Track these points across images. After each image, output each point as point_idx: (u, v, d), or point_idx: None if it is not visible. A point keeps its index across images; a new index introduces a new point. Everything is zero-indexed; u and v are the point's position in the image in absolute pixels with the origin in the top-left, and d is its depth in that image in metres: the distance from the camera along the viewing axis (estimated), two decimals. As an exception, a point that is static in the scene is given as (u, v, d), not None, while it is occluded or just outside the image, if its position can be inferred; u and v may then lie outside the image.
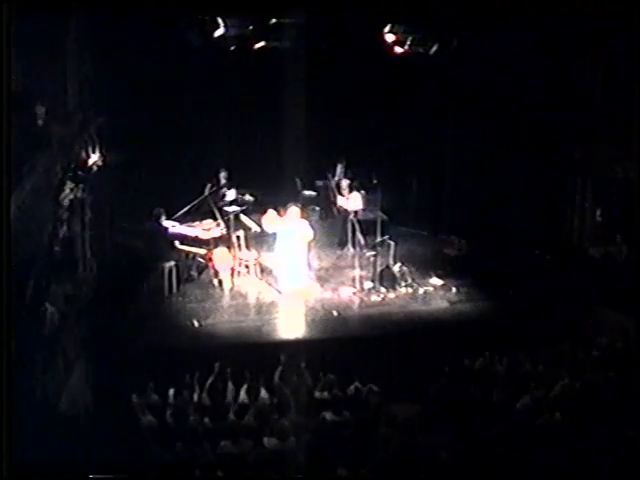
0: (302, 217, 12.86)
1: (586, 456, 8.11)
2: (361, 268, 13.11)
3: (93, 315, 11.14)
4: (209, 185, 14.37)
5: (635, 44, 11.62)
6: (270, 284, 12.81)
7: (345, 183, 14.90)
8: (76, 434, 8.24)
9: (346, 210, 14.47)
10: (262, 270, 13.02)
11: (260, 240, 13.47)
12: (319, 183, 15.30)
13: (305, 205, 14.12)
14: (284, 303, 12.33)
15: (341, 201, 14.62)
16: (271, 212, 12.90)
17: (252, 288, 12.68)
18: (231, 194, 14.16)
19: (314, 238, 13.01)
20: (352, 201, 14.36)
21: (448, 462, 8.14)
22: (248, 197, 14.42)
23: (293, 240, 12.57)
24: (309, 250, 13.00)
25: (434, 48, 13.65)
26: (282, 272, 12.69)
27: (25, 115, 9.00)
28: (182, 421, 8.80)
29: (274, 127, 14.81)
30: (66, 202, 10.84)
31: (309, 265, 13.00)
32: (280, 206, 13.05)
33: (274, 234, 12.84)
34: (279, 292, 12.60)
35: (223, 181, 14.56)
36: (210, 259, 12.73)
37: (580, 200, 13.84)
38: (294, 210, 12.69)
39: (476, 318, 12.07)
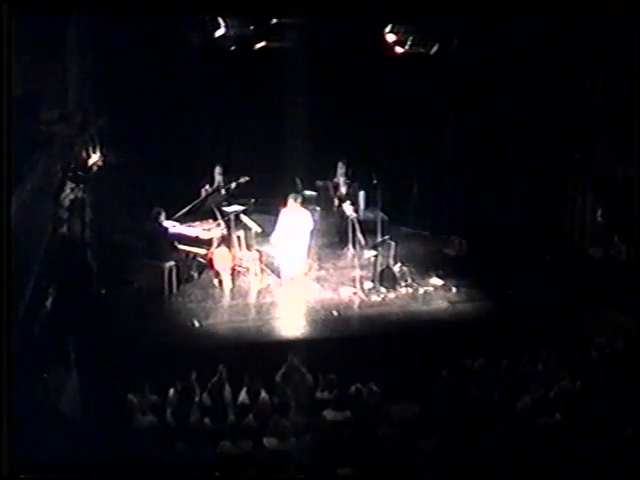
0: (303, 207, 13.06)
1: (586, 456, 8.12)
2: (361, 268, 13.10)
3: (93, 315, 11.15)
4: (207, 185, 14.40)
5: (635, 44, 11.63)
6: (271, 269, 12.98)
7: (347, 183, 14.91)
8: (76, 434, 8.24)
9: (345, 211, 14.49)
10: (262, 270, 13.03)
11: (261, 240, 13.51)
12: (319, 183, 15.30)
13: (305, 205, 14.12)
14: (284, 303, 12.35)
15: (339, 204, 14.70)
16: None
17: (252, 277, 12.72)
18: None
19: (315, 228, 13.23)
20: (345, 209, 14.42)
21: (448, 462, 8.14)
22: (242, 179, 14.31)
23: (294, 229, 12.76)
24: (311, 239, 13.13)
25: (435, 48, 13.65)
26: (282, 260, 12.88)
27: (25, 115, 9.01)
28: (182, 421, 8.80)
29: (274, 127, 14.83)
30: (66, 202, 10.85)
31: (308, 252, 13.17)
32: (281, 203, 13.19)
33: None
34: (279, 277, 12.76)
35: (218, 177, 14.56)
36: (210, 259, 12.73)
37: (580, 200, 13.84)
38: (294, 201, 12.90)
39: (476, 318, 12.07)
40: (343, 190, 14.91)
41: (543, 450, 8.28)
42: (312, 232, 13.17)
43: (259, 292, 12.61)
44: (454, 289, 12.91)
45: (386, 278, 12.84)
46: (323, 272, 13.44)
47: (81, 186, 11.30)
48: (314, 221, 13.26)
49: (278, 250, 13.02)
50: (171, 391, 9.33)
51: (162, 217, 12.46)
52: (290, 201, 12.93)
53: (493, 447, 8.40)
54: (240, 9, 12.44)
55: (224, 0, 12.44)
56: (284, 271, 12.88)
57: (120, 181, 13.66)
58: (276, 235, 12.93)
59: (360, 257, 13.38)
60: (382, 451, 8.27)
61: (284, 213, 12.97)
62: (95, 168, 12.07)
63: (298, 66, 13.39)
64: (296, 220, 12.88)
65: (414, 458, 8.21)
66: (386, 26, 13.41)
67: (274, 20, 13.09)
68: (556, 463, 8.11)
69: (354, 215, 14.03)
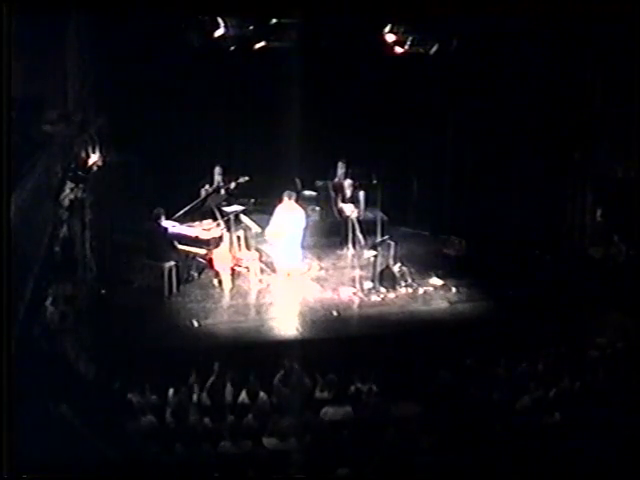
0: (298, 205, 13.31)
1: (586, 456, 8.12)
2: (361, 268, 13.12)
3: (93, 315, 11.15)
4: (207, 185, 14.42)
5: (635, 44, 11.63)
6: (266, 263, 13.06)
7: (347, 183, 14.93)
8: (76, 434, 8.24)
9: (344, 211, 14.53)
10: (262, 270, 13.03)
11: (260, 240, 13.53)
12: (319, 183, 15.30)
13: (305, 205, 14.18)
14: (284, 304, 12.36)
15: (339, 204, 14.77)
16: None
17: (252, 277, 12.74)
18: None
19: (308, 226, 13.46)
20: (345, 209, 14.50)
21: (448, 462, 8.14)
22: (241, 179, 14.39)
23: (288, 225, 12.99)
24: (304, 237, 13.30)
25: (434, 48, 13.66)
26: (277, 255, 13.05)
27: (25, 115, 9.01)
28: (182, 421, 8.80)
29: (274, 127, 14.83)
30: (66, 202, 10.84)
31: (302, 247, 13.33)
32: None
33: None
34: (274, 271, 12.92)
35: (217, 177, 14.58)
36: (210, 259, 12.73)
37: (580, 200, 13.84)
38: (289, 198, 13.15)
39: (476, 318, 12.07)
40: (344, 190, 14.92)
41: (543, 450, 8.28)
42: (305, 229, 13.33)
43: (259, 292, 12.62)
44: (454, 289, 12.91)
45: (386, 278, 12.84)
46: (323, 272, 13.45)
47: (81, 186, 11.28)
48: (307, 219, 13.48)
49: (272, 245, 13.19)
50: (171, 391, 9.33)
51: (162, 217, 12.47)
52: (285, 199, 13.13)
53: (493, 447, 8.40)
54: (240, 9, 12.43)
55: (224, 0, 12.43)
56: (279, 266, 13.03)
57: (120, 181, 13.64)
58: (270, 229, 13.08)
59: (360, 257, 13.42)
60: (382, 451, 8.26)
61: (279, 210, 13.17)
62: (95, 168, 12.06)
63: (298, 66, 13.36)
64: (290, 217, 13.06)
65: (414, 458, 8.20)
66: (386, 26, 13.41)
67: (274, 20, 13.09)
68: (556, 463, 8.11)
69: (354, 215, 14.06)
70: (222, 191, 14.32)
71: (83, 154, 11.78)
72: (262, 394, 9.31)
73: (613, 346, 10.73)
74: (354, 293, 12.67)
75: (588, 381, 9.68)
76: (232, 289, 12.62)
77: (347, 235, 14.12)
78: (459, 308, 12.41)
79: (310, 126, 14.14)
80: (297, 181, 15.11)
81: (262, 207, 14.60)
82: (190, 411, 8.94)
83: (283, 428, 8.62)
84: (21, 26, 8.03)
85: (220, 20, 12.90)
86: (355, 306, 12.38)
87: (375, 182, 14.61)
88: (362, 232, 13.78)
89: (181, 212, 13.06)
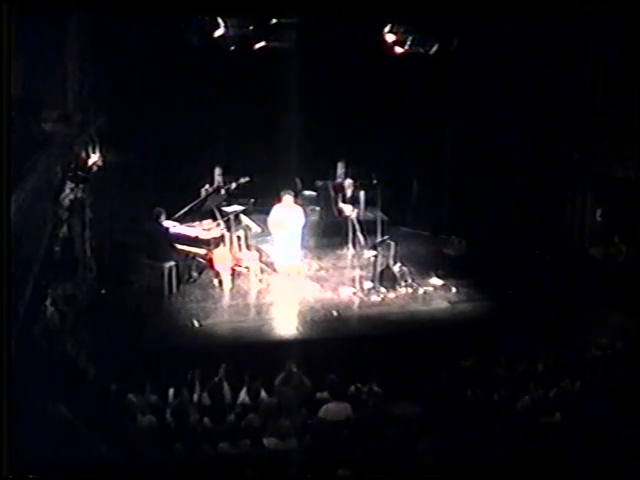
0: (296, 203, 13.46)
1: (586, 456, 8.11)
2: (361, 268, 13.12)
3: (93, 315, 11.15)
4: (207, 185, 14.42)
5: (635, 44, 11.64)
6: (267, 264, 13.14)
7: (347, 183, 14.94)
8: (76, 434, 8.23)
9: (344, 211, 14.55)
10: (262, 270, 13.03)
11: (261, 240, 13.54)
12: (319, 183, 15.31)
13: (305, 205, 14.19)
14: (284, 303, 12.37)
15: (339, 204, 14.80)
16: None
17: (252, 277, 12.77)
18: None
19: (307, 224, 13.62)
20: (345, 208, 14.54)
21: (448, 462, 8.13)
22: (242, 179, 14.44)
23: (287, 224, 13.10)
24: (302, 234, 13.41)
25: (434, 48, 13.67)
26: (277, 253, 13.18)
27: (25, 115, 9.00)
28: (182, 421, 8.80)
29: (274, 127, 14.85)
30: (66, 202, 10.84)
31: (301, 246, 13.45)
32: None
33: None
34: (276, 271, 13.00)
35: (218, 177, 14.59)
36: (210, 259, 12.73)
37: (580, 200, 13.84)
38: (288, 198, 13.25)
39: (476, 318, 12.07)
40: (344, 190, 14.93)
41: (543, 450, 8.28)
42: (304, 228, 13.43)
43: (259, 292, 12.62)
44: (454, 289, 12.91)
45: (386, 278, 12.85)
46: (323, 272, 13.46)
47: (81, 186, 11.28)
48: (306, 218, 13.59)
49: (273, 238, 13.35)
50: (171, 391, 9.33)
51: (162, 217, 12.47)
52: (285, 197, 13.22)
53: (493, 447, 8.39)
54: (240, 9, 12.44)
55: (224, 0, 12.44)
56: (279, 265, 13.10)
57: (120, 181, 13.65)
58: (272, 219, 13.21)
59: (360, 257, 13.42)
60: (382, 451, 8.26)
61: (277, 208, 13.26)
62: (95, 168, 12.06)
63: (298, 66, 13.39)
64: (289, 216, 13.15)
65: (414, 458, 8.20)
66: (386, 26, 13.42)
67: (274, 20, 13.10)
68: (556, 463, 8.10)
69: (354, 215, 14.07)
70: (222, 191, 14.32)
71: (83, 154, 11.78)
72: (262, 394, 9.32)
73: (613, 346, 10.73)
74: (354, 293, 12.67)
75: (588, 381, 9.68)
76: (232, 289, 12.63)
77: (347, 235, 14.12)
78: (459, 308, 12.42)
79: (310, 126, 14.16)
80: (297, 181, 15.12)
81: (262, 207, 14.59)
82: (190, 411, 8.93)
83: (283, 428, 8.62)
84: (21, 26, 8.02)
85: (220, 20, 12.91)
86: (355, 306, 12.39)
87: (375, 182, 14.62)
88: (362, 232, 13.78)
89: (181, 212, 13.06)
